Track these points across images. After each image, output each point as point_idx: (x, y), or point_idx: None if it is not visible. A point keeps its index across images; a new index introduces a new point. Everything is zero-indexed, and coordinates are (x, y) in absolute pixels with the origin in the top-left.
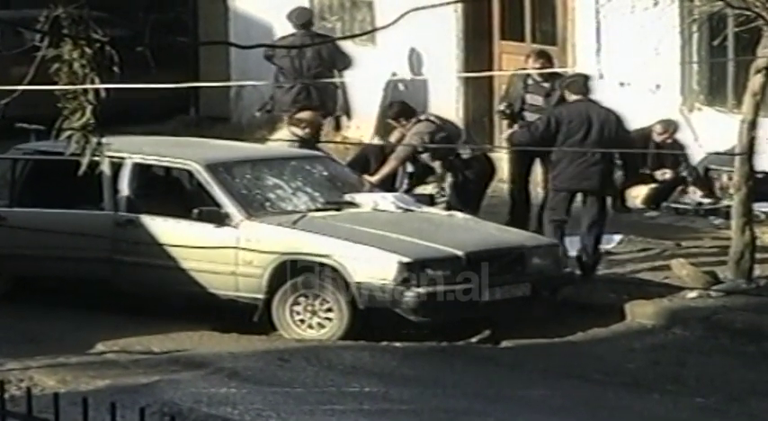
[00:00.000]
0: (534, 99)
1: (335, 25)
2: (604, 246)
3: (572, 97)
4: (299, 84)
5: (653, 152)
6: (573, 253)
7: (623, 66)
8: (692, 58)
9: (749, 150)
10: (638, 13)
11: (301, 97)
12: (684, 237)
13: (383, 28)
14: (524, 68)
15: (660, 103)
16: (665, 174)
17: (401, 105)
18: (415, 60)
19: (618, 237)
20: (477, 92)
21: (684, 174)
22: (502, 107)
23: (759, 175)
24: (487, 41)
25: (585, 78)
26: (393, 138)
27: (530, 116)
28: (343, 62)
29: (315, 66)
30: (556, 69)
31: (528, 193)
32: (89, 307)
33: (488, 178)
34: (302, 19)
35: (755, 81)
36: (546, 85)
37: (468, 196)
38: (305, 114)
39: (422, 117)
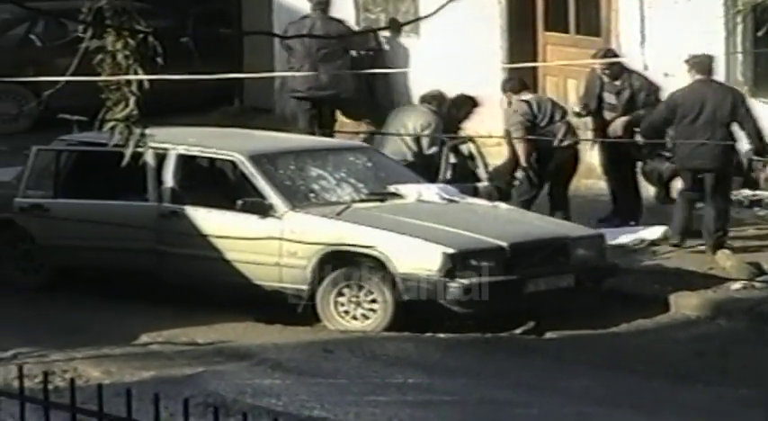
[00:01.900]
0: (610, 98)
1: (379, 16)
2: (648, 238)
3: (695, 77)
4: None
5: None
6: (615, 242)
7: (668, 56)
8: (736, 49)
9: None
10: (683, 4)
11: (312, 79)
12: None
13: (425, 17)
14: (593, 66)
15: None
16: None
17: (517, 80)
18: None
19: (662, 229)
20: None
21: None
22: (577, 109)
23: None
24: (531, 32)
25: (710, 59)
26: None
27: (607, 114)
28: (354, 45)
29: (322, 46)
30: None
31: (637, 188)
32: (133, 298)
33: (571, 172)
34: None
35: None
36: (617, 83)
37: (537, 184)
38: (435, 91)
39: (523, 97)
